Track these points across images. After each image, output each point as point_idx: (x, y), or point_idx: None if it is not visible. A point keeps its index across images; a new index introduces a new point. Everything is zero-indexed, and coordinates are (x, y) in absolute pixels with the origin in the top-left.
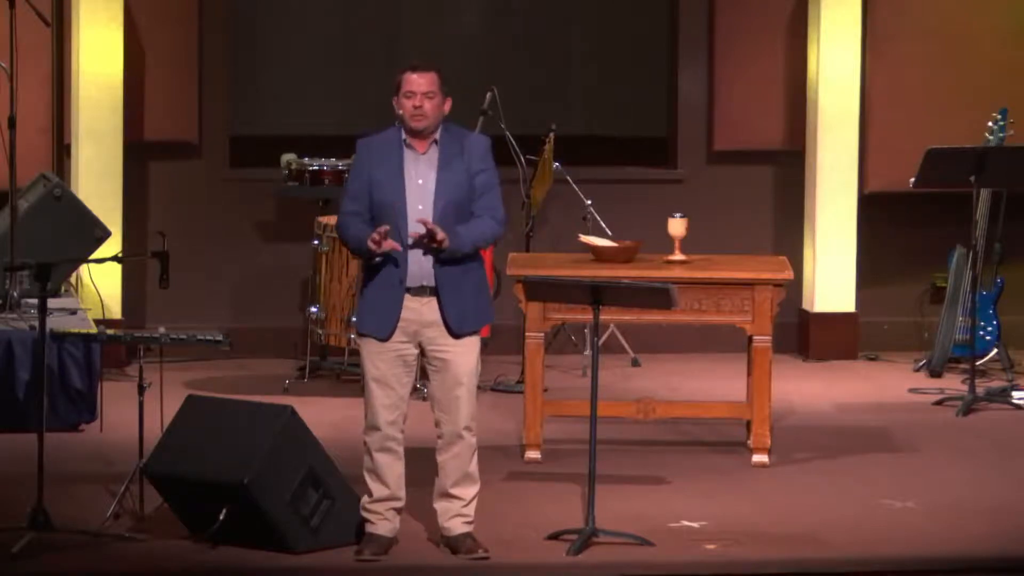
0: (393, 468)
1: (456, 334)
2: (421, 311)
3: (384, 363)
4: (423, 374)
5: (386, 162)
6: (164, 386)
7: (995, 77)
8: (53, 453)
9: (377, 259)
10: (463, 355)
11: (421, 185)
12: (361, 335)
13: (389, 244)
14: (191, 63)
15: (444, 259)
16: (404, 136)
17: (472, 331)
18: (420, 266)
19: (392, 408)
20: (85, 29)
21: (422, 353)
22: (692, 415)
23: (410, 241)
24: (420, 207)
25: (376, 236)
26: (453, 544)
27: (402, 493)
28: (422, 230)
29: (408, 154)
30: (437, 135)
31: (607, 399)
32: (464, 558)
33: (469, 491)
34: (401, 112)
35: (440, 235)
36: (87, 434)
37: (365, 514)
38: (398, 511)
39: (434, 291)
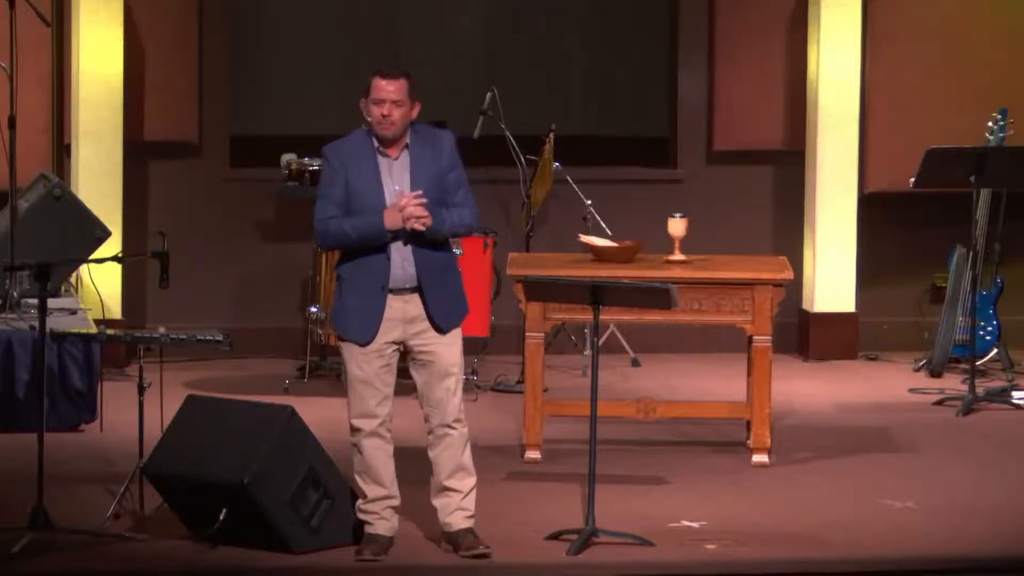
0: (386, 467)
1: (443, 330)
2: (405, 308)
3: (368, 364)
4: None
5: (361, 169)
6: (164, 386)
7: (995, 77)
8: (53, 453)
9: (389, 238)
10: (448, 347)
11: (398, 191)
12: (342, 340)
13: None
14: (191, 63)
15: (424, 240)
16: (376, 143)
17: (456, 325)
18: (404, 270)
19: (380, 408)
20: (85, 29)
21: (405, 350)
22: (692, 415)
23: (389, 236)
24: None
25: (415, 204)
26: (454, 540)
27: (396, 491)
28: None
29: (382, 160)
30: (407, 138)
31: (607, 399)
32: (466, 554)
33: (465, 483)
34: (369, 118)
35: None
36: (87, 434)
37: (362, 515)
38: (395, 510)
39: (415, 289)
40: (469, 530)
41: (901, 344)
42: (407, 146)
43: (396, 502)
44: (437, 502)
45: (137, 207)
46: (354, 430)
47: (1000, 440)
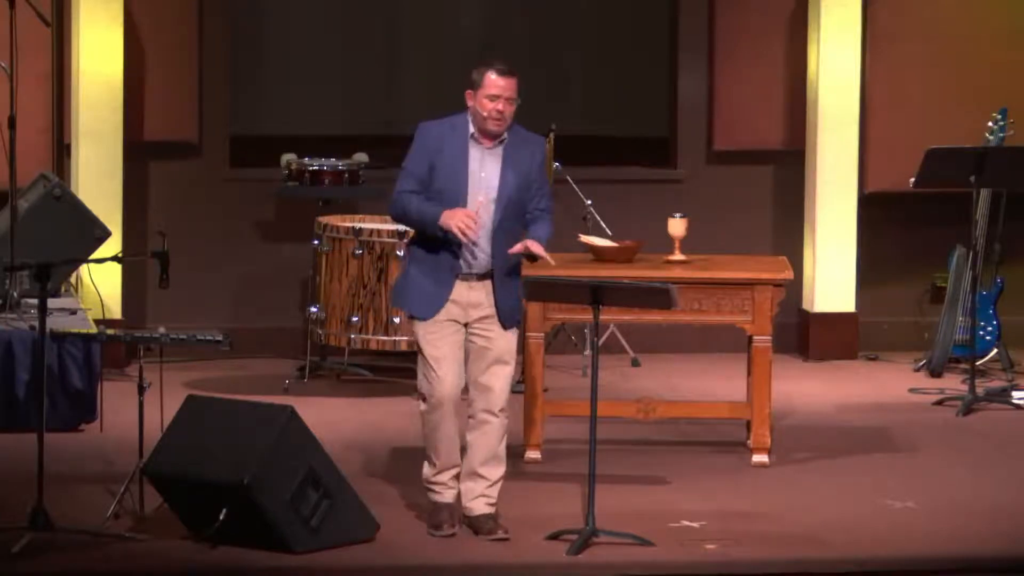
0: (455, 439)
1: (506, 325)
2: (469, 294)
3: (442, 342)
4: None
5: (450, 149)
6: (164, 386)
7: (995, 77)
8: (53, 453)
9: (441, 234)
10: (506, 337)
11: (484, 178)
12: (409, 317)
13: (475, 228)
14: (191, 63)
15: (503, 233)
16: (472, 130)
17: (517, 322)
18: (477, 258)
19: (454, 381)
20: (85, 29)
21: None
22: (692, 415)
23: (440, 232)
24: (480, 199)
25: (466, 221)
26: (475, 524)
27: (460, 459)
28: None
29: (473, 145)
30: (505, 133)
31: (607, 399)
32: (486, 538)
33: (495, 472)
34: (481, 111)
35: (542, 254)
36: (87, 434)
37: (429, 486)
38: (457, 476)
39: (481, 277)
40: (490, 515)
41: (901, 344)
42: (503, 141)
43: (459, 469)
44: (464, 485)
45: (137, 207)
46: (427, 404)
47: (1000, 440)
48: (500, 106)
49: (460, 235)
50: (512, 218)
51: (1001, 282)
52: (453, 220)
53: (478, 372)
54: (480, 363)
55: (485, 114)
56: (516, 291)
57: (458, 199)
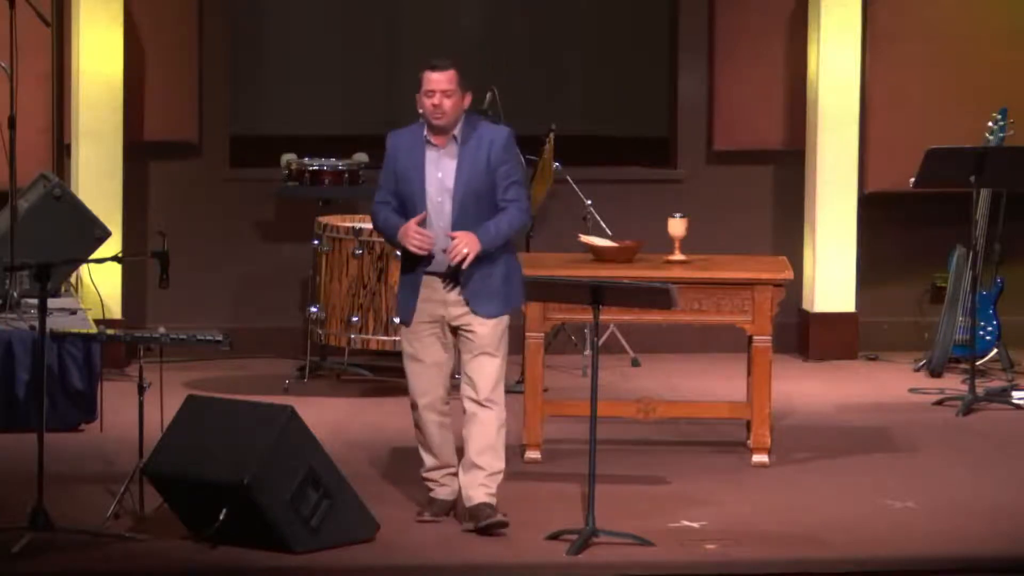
0: (442, 438)
1: (480, 313)
2: (445, 293)
3: (419, 343)
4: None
5: (409, 155)
6: (164, 386)
7: (995, 77)
8: (53, 453)
9: (399, 252)
10: (486, 328)
11: (440, 178)
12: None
13: (427, 241)
14: (191, 63)
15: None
16: (426, 131)
17: (499, 314)
18: (441, 259)
19: (431, 385)
20: (85, 29)
21: (453, 331)
22: (692, 415)
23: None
24: (439, 199)
25: (416, 238)
26: (473, 513)
27: (454, 459)
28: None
29: (429, 150)
30: (457, 130)
31: (607, 399)
32: (483, 523)
33: (492, 464)
34: (422, 110)
35: (463, 252)
36: (87, 434)
37: (425, 482)
38: (454, 475)
39: (454, 275)
40: (487, 504)
41: (901, 344)
42: (455, 137)
43: (453, 469)
44: (463, 477)
45: (137, 207)
46: (411, 406)
47: (1000, 440)
48: (436, 100)
49: (418, 251)
50: (474, 212)
51: (1001, 282)
52: (407, 241)
53: (464, 365)
54: (466, 356)
55: (425, 111)
56: (500, 284)
57: (417, 202)
